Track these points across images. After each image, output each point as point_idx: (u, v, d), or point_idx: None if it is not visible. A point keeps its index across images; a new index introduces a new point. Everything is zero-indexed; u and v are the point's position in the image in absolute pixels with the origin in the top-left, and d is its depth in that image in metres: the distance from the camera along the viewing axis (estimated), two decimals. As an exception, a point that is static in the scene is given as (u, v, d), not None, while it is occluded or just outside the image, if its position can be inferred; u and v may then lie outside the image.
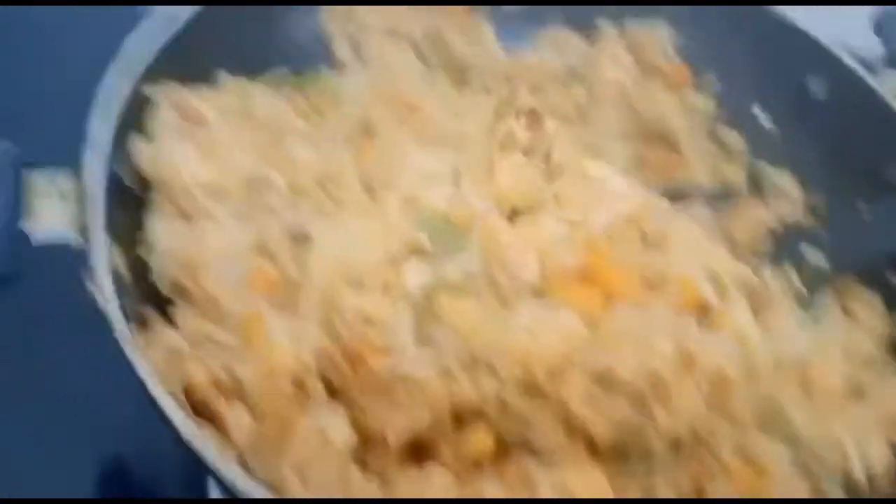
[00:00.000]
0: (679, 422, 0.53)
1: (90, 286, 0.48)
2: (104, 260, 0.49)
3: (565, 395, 0.52)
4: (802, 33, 0.73)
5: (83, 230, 0.50)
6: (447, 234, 0.55)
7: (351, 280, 0.54)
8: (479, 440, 0.52)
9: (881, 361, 0.64)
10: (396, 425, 0.51)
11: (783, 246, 0.72)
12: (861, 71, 0.70)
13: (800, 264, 0.71)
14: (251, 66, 0.70)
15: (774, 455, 0.56)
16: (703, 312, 0.59)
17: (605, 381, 0.52)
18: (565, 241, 0.57)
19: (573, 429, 0.53)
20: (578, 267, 0.55)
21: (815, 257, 0.72)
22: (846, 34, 0.73)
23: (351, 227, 0.56)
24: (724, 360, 0.55)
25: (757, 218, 0.74)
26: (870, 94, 0.70)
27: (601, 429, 0.52)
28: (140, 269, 0.56)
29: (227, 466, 0.44)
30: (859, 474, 0.56)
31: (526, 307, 0.54)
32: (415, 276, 0.53)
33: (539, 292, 0.56)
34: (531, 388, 0.52)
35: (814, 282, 0.69)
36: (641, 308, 0.56)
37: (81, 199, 0.51)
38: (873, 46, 0.75)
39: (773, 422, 0.57)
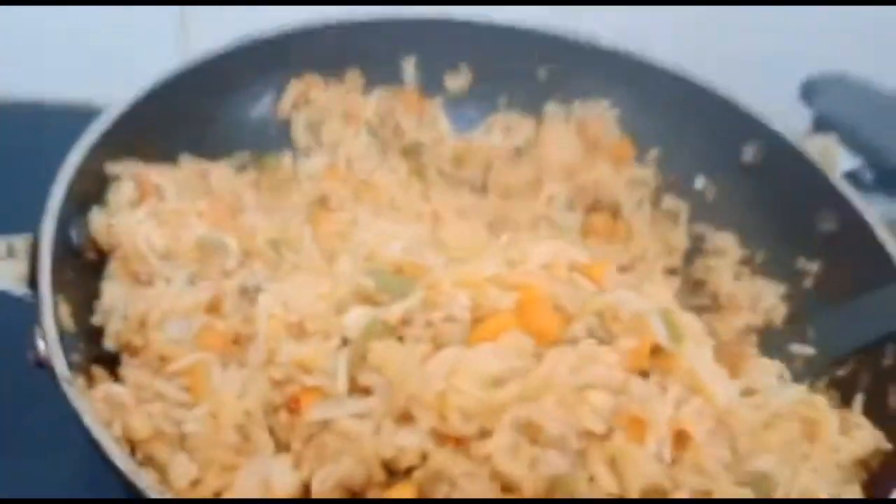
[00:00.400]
0: (629, 481, 0.50)
1: (37, 336, 0.50)
2: (50, 313, 0.50)
3: (490, 448, 0.49)
4: (736, 106, 0.77)
5: (33, 286, 0.52)
6: (395, 282, 0.56)
7: (294, 329, 0.55)
8: (401, 494, 0.50)
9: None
10: (326, 476, 0.51)
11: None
12: (789, 136, 0.74)
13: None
14: (212, 149, 0.74)
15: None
16: (656, 358, 0.54)
17: (530, 433, 0.50)
18: (502, 281, 0.55)
19: (505, 485, 0.50)
20: (512, 307, 0.54)
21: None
22: (777, 104, 0.77)
23: (300, 280, 0.58)
24: (682, 415, 0.52)
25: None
26: (798, 156, 0.73)
27: (531, 485, 0.50)
28: (90, 333, 0.58)
29: None
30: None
31: (450, 352, 0.51)
32: (355, 320, 0.54)
33: (471, 338, 0.53)
34: (451, 441, 0.50)
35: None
36: (581, 355, 0.53)
37: (33, 259, 0.53)
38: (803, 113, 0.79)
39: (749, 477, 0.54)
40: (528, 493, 0.50)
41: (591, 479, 0.50)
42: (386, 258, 0.58)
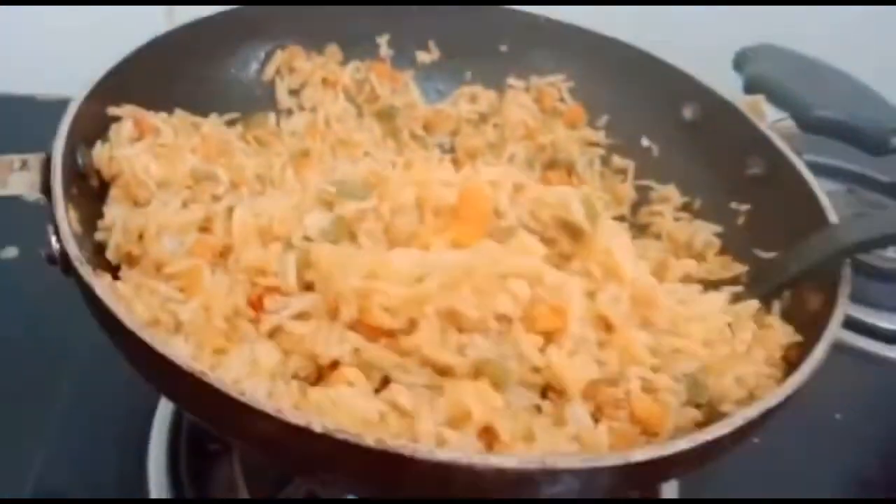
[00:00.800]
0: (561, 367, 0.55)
1: (50, 233, 0.57)
2: (62, 208, 0.57)
3: (417, 339, 0.54)
4: (675, 70, 0.86)
5: (47, 192, 0.59)
6: (355, 188, 0.63)
7: (265, 236, 0.62)
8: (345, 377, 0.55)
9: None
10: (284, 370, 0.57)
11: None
12: (725, 94, 0.83)
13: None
14: (202, 107, 0.81)
15: (673, 391, 0.60)
16: (577, 243, 0.62)
17: (454, 321, 0.55)
18: (448, 182, 0.62)
19: (440, 371, 0.55)
20: (455, 205, 0.60)
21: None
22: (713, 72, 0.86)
23: (274, 195, 0.65)
24: (599, 301, 0.59)
25: None
26: (731, 110, 0.82)
27: (463, 369, 0.55)
28: (93, 246, 0.65)
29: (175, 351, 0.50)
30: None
31: (375, 251, 0.58)
32: (315, 221, 0.60)
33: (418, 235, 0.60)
34: (382, 335, 0.56)
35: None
36: (508, 247, 0.59)
37: (46, 170, 0.60)
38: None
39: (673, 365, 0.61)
40: (462, 376, 0.55)
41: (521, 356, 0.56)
42: (351, 173, 0.66)
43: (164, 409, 0.76)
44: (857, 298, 0.99)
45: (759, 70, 0.85)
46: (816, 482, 0.84)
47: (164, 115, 0.75)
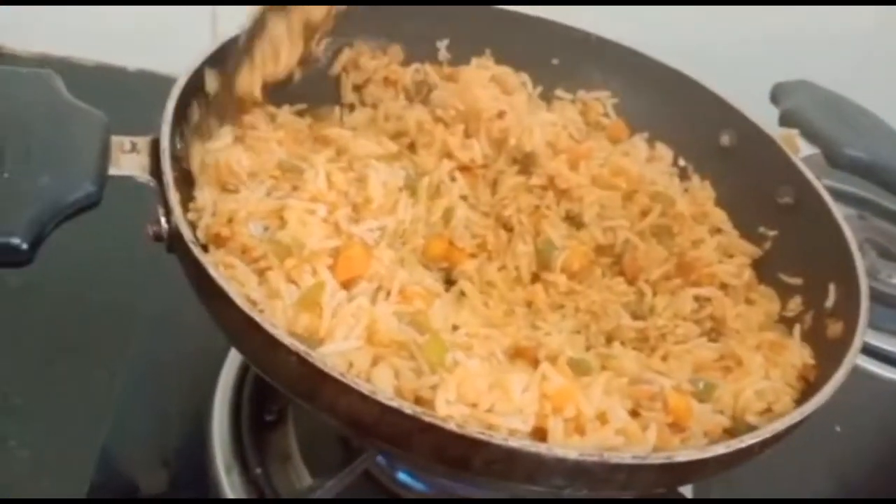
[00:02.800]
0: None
1: (160, 213, 0.63)
2: (174, 191, 0.63)
3: None
4: (717, 97, 0.92)
5: (155, 174, 0.65)
6: None
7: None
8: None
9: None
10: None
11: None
12: (760, 123, 0.89)
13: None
14: (274, 98, 0.86)
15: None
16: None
17: None
18: None
19: None
20: None
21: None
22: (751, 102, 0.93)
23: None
24: None
25: None
26: (766, 141, 0.88)
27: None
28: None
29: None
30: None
31: None
32: None
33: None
34: None
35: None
36: None
37: (155, 154, 0.66)
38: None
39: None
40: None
41: None
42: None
43: (227, 376, 0.81)
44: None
45: (794, 105, 0.92)
46: (814, 489, 0.91)
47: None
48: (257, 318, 0.55)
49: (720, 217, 0.88)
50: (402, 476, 0.76)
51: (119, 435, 0.79)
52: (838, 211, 0.81)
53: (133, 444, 0.80)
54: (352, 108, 0.92)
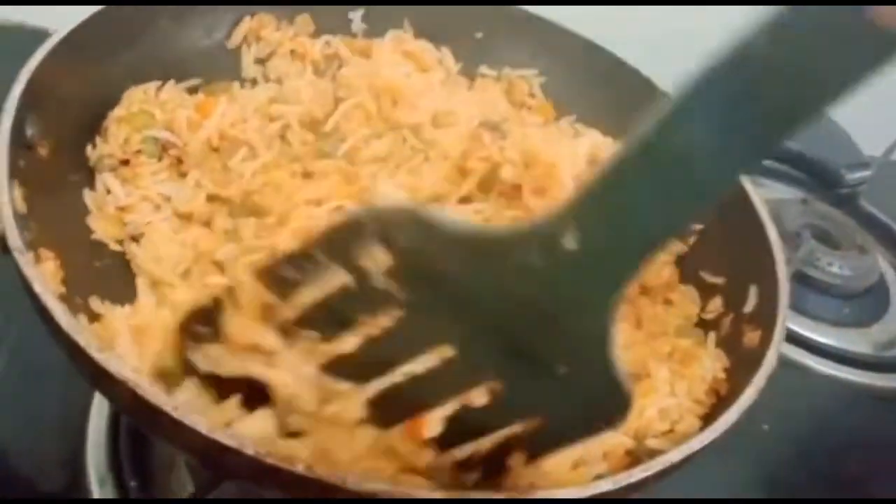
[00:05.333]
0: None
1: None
2: (5, 191, 0.56)
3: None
4: (649, 82, 0.86)
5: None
6: None
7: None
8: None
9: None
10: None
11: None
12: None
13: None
14: (163, 72, 0.79)
15: None
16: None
17: None
18: None
19: None
20: None
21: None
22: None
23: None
24: None
25: None
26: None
27: None
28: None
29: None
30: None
31: None
32: None
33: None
34: None
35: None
36: None
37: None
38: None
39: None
40: None
41: None
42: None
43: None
44: (794, 309, 1.04)
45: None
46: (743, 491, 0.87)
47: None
48: (81, 341, 0.49)
49: None
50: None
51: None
52: (763, 206, 0.76)
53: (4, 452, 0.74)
54: (254, 82, 0.85)
